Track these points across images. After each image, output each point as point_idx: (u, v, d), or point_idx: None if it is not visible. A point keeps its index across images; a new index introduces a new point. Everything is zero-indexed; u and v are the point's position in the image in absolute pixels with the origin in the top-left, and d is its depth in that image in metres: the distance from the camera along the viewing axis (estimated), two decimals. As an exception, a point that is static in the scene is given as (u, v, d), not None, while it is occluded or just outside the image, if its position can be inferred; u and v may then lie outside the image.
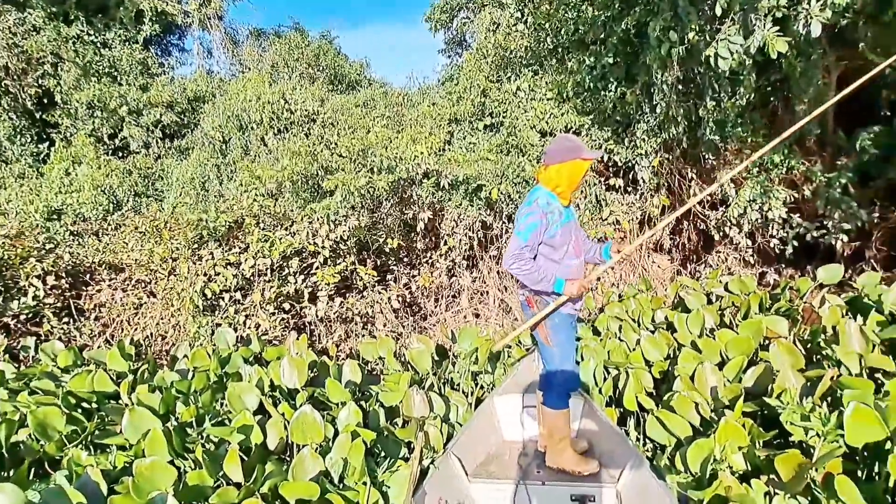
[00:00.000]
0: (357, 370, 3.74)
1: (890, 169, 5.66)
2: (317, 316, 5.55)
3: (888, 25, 4.87)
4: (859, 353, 3.00)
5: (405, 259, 6.91)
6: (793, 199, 5.80)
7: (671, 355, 3.59)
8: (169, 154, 10.86)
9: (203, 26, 14.66)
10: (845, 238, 5.70)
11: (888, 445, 2.27)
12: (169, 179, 9.91)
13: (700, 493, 2.24)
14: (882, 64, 3.24)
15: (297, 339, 4.70)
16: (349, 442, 2.78)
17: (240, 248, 5.73)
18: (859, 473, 2.38)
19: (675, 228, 6.80)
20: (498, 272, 6.67)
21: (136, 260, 6.27)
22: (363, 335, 5.75)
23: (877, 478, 2.32)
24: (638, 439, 3.17)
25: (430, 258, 6.50)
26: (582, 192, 6.34)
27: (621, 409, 3.35)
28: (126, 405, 3.33)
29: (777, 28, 4.24)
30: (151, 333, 5.73)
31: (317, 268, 5.70)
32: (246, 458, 2.77)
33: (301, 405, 3.04)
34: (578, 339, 4.18)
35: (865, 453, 2.37)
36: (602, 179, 6.53)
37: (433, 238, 6.58)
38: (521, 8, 7.32)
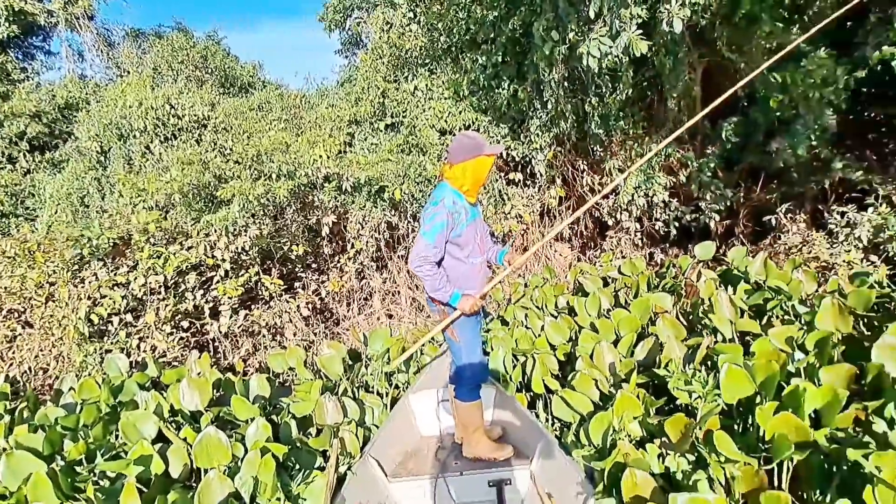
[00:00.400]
0: (265, 384, 3.59)
1: (749, 154, 6.35)
2: (220, 331, 5.26)
3: (739, 26, 5.46)
4: (731, 320, 3.34)
5: (313, 265, 6.74)
6: (672, 185, 6.35)
7: (573, 337, 3.79)
8: (40, 168, 9.77)
9: (71, 27, 13.33)
10: (717, 217, 6.34)
11: (757, 399, 2.56)
12: (41, 196, 8.93)
13: (602, 462, 2.39)
14: (749, 76, 3.58)
15: (199, 357, 4.43)
16: (259, 459, 2.66)
17: (128, 266, 5.29)
18: (735, 427, 2.66)
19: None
20: (408, 271, 6.69)
21: (5, 288, 5.59)
22: (272, 347, 5.53)
23: (750, 428, 2.60)
24: (547, 420, 3.33)
25: (339, 262, 6.39)
26: (485, 187, 6.52)
27: (531, 393, 3.50)
28: (3, 450, 2.96)
29: (640, 32, 4.61)
30: (30, 368, 5.15)
31: (217, 281, 5.40)
32: (146, 490, 2.57)
33: (206, 427, 2.87)
34: (488, 330, 4.31)
35: (740, 408, 2.64)
36: (502, 174, 6.75)
37: (340, 242, 6.46)
38: (412, 8, 7.37)
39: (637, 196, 6.22)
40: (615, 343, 3.44)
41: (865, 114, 6.12)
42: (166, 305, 5.08)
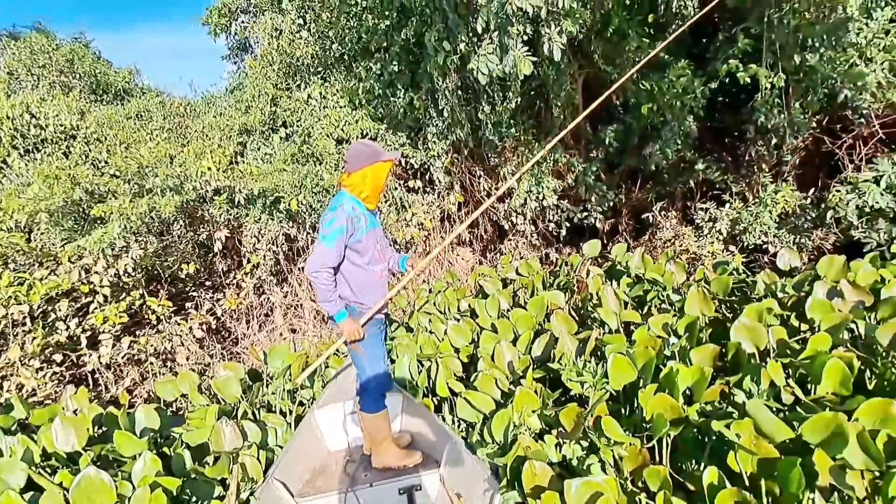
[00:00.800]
0: (154, 415, 3.32)
1: (627, 158, 6.91)
2: (100, 362, 4.78)
3: (611, 41, 5.94)
4: (616, 312, 3.62)
5: (206, 283, 6.35)
6: (561, 188, 6.75)
7: (475, 339, 3.90)
8: None
9: None
10: (602, 217, 6.83)
11: (640, 383, 2.79)
12: None
13: (504, 458, 2.48)
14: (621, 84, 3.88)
15: (75, 393, 4.00)
16: (148, 495, 2.46)
17: (-17, 297, 4.66)
18: (623, 411, 2.88)
19: (474, 222, 7.39)
20: (310, 283, 6.50)
21: None
22: (162, 375, 5.13)
23: (636, 410, 2.83)
24: (453, 422, 3.39)
25: (235, 278, 6.07)
26: (385, 195, 6.52)
27: (437, 398, 3.54)
28: None
29: (528, 49, 4.89)
30: None
31: (95, 308, 4.91)
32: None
33: (85, 468, 2.60)
34: (393, 338, 4.31)
35: (625, 393, 2.86)
36: (402, 182, 6.79)
37: (235, 257, 6.15)
38: (302, 14, 7.21)
39: (529, 199, 6.54)
40: (514, 342, 3.59)
41: (720, 120, 6.90)
42: (34, 338, 4.53)
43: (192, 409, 3.59)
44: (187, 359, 5.23)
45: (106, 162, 6.68)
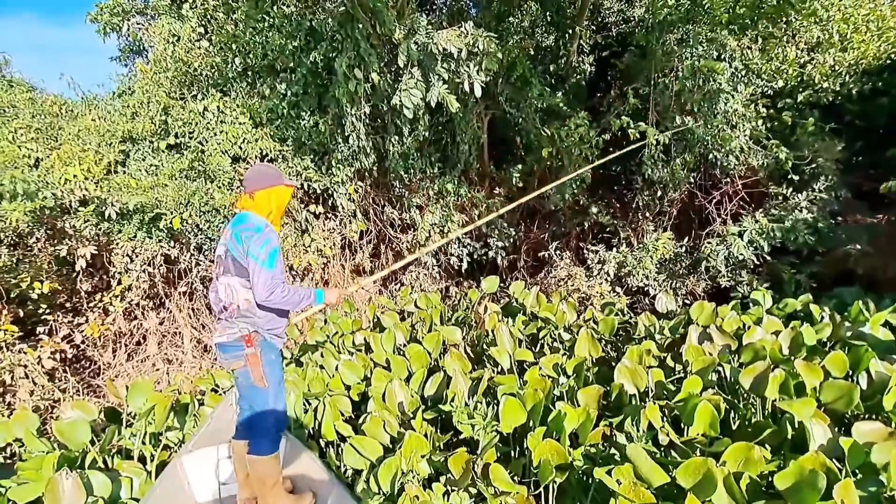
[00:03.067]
0: (-28, 465, 2.78)
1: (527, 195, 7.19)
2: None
3: (516, 86, 6.22)
4: (509, 352, 3.64)
5: (65, 305, 5.58)
6: (464, 222, 6.83)
7: (367, 376, 3.73)
8: None
9: None
10: (503, 253, 7.00)
11: (530, 424, 2.78)
12: None
13: (390, 510, 2.34)
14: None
15: None
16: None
17: None
18: (512, 454, 2.86)
19: (375, 251, 7.25)
20: (192, 309, 5.96)
21: None
22: (-2, 412, 4.37)
23: (525, 453, 2.82)
24: (339, 467, 3.18)
25: (101, 301, 5.38)
26: (285, 220, 6.20)
27: (323, 440, 3.31)
28: None
29: (446, 86, 4.98)
30: None
31: (-89, 330, 4.10)
32: None
33: None
34: (279, 373, 4.02)
35: (514, 436, 2.85)
36: (304, 206, 6.51)
37: (103, 277, 5.47)
38: (203, 24, 6.81)
39: (433, 232, 6.55)
40: (407, 379, 3.48)
41: (612, 170, 7.43)
42: None
43: (26, 457, 3.05)
44: (31, 394, 4.49)
45: (-51, 160, 5.74)
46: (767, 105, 6.02)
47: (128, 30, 8.40)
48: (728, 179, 6.44)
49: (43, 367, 4.62)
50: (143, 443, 3.24)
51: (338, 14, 5.22)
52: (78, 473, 2.63)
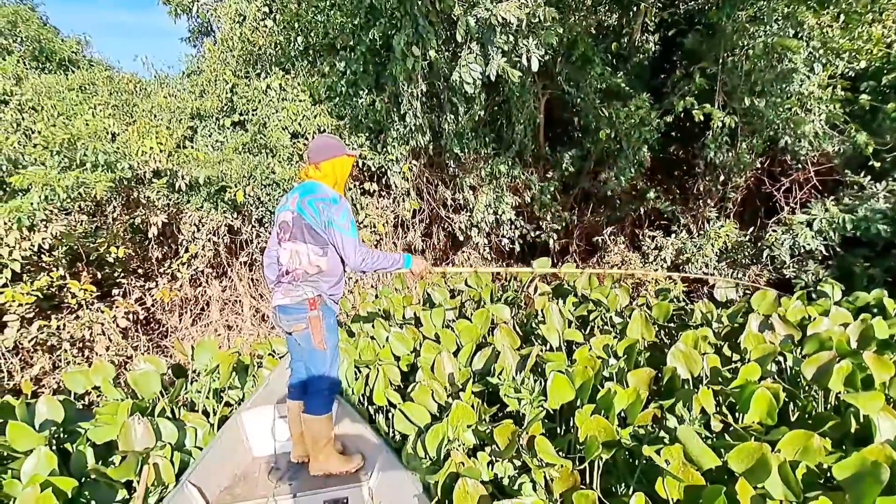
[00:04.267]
0: (57, 407, 3.03)
1: (582, 180, 7.05)
2: (4, 346, 4.37)
3: (576, 65, 6.07)
4: (559, 330, 3.62)
5: (138, 270, 5.97)
6: (517, 205, 6.79)
7: (416, 348, 3.81)
8: None
9: None
10: (555, 236, 6.92)
11: (577, 402, 2.78)
12: None
13: (435, 476, 2.40)
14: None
15: (-28, 379, 3.65)
16: (37, 496, 2.23)
17: None
18: (558, 430, 2.86)
19: (427, 231, 7.33)
20: (252, 279, 6.25)
21: None
22: (78, 364, 4.75)
23: (571, 430, 2.81)
24: (388, 433, 3.28)
25: (170, 268, 5.73)
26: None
27: (373, 406, 3.43)
28: None
29: (505, 59, 4.93)
30: None
31: (3, 286, 4.49)
32: None
33: (-33, 464, 2.34)
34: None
35: (561, 413, 2.85)
36: (358, 184, 6.66)
37: (171, 245, 5.82)
38: (268, 3, 7.00)
39: (487, 214, 6.55)
40: (456, 353, 3.52)
41: (672, 153, 7.16)
42: (-72, 314, 4.11)
43: (103, 404, 3.32)
44: (107, 349, 4.87)
45: (38, 132, 6.20)
46: (847, 87, 5.61)
47: (197, 11, 8.73)
48: (799, 166, 6.08)
49: (118, 325, 4.98)
50: (207, 398, 3.46)
51: (398, -9, 5.24)
52: (148, 420, 2.85)
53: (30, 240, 4.49)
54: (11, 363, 4.49)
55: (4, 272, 4.39)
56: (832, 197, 5.62)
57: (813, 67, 5.56)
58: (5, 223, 4.35)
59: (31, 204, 4.15)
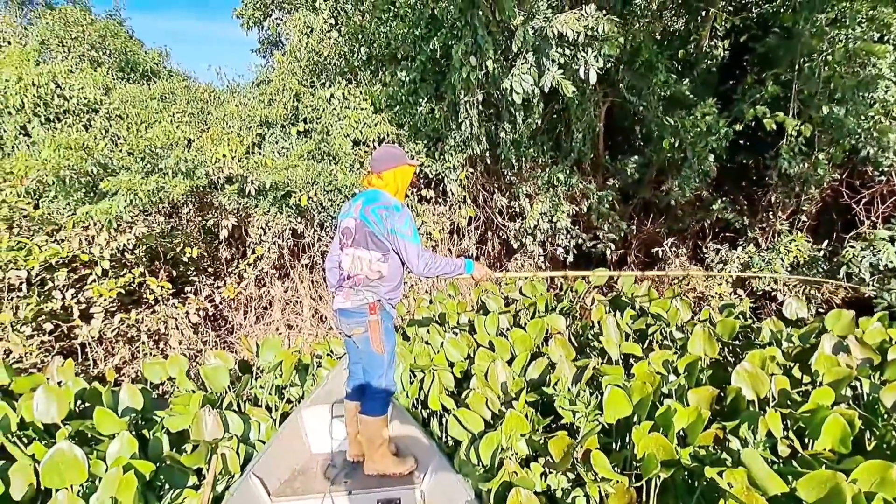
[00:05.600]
0: (137, 395, 3.27)
1: (643, 190, 6.87)
2: (91, 336, 4.74)
3: (638, 72, 5.94)
4: (616, 343, 3.55)
5: (208, 269, 6.33)
6: (574, 213, 6.70)
7: (471, 355, 3.83)
8: None
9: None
10: (612, 246, 6.77)
11: (635, 418, 2.72)
12: None
13: (488, 483, 2.41)
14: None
15: (62, 364, 3.96)
16: (120, 477, 2.41)
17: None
18: (614, 445, 2.81)
19: (482, 238, 7.35)
20: (312, 281, 6.48)
21: None
22: (153, 355, 5.08)
23: (627, 447, 2.76)
24: (441, 438, 3.32)
25: (237, 268, 6.04)
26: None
27: (427, 410, 3.48)
28: None
29: (561, 71, 4.90)
30: None
31: (93, 280, 4.89)
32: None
33: (60, 442, 2.56)
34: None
35: (618, 428, 2.79)
36: (415, 190, 6.78)
37: (240, 246, 6.13)
38: (334, 15, 7.27)
39: (542, 222, 6.50)
40: (510, 362, 3.52)
41: (740, 162, 6.85)
42: (27, 304, 4.51)
43: (177, 394, 3.54)
44: (180, 342, 5.19)
45: (124, 139, 6.71)
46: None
47: (269, 25, 9.18)
48: (882, 178, 5.68)
49: (189, 320, 5.29)
50: (270, 394, 3.62)
51: (459, 2, 5.32)
52: (217, 412, 3.02)
53: (116, 240, 4.87)
54: (96, 352, 4.87)
55: (96, 269, 4.77)
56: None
57: (900, 72, 5.20)
58: (97, 224, 4.73)
59: (119, 206, 4.49)
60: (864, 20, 5.08)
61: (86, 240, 4.90)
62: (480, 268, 2.85)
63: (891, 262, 4.95)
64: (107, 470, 2.59)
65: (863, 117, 5.20)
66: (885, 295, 5.00)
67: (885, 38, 5.17)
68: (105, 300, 4.88)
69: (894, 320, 3.92)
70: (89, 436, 3.00)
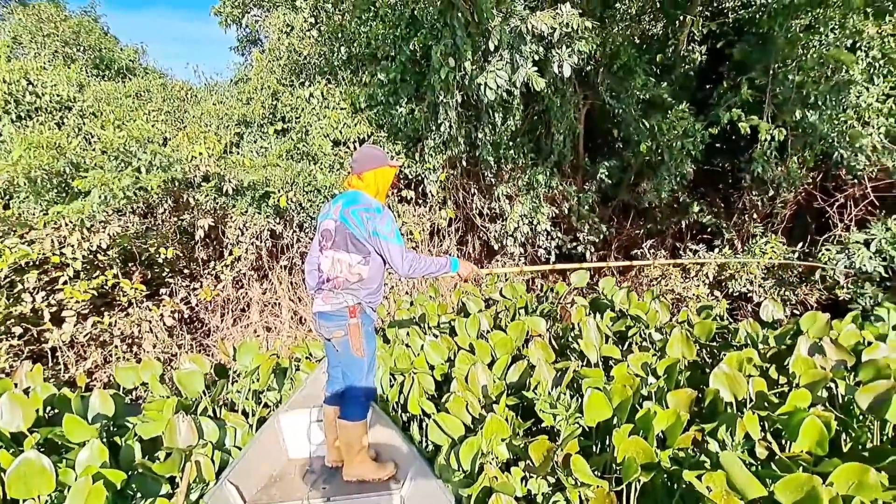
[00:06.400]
0: (109, 401, 3.17)
1: (621, 192, 6.93)
2: (62, 340, 4.59)
3: (617, 75, 5.98)
4: (596, 345, 3.55)
5: (184, 271, 6.18)
6: (554, 215, 6.73)
7: (451, 358, 3.80)
8: None
9: None
10: (592, 248, 6.81)
11: (615, 421, 2.71)
12: None
13: (469, 489, 2.38)
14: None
15: (31, 370, 3.83)
16: (89, 487, 2.32)
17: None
18: (594, 448, 2.80)
19: (462, 239, 7.34)
20: (291, 283, 6.38)
21: None
22: (127, 360, 4.95)
23: (607, 449, 2.75)
24: (421, 442, 3.28)
25: (214, 269, 5.92)
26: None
27: (407, 415, 3.44)
28: None
29: (537, 69, 4.91)
30: None
31: (65, 282, 4.73)
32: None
33: (27, 451, 2.46)
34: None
35: (598, 431, 2.79)
36: (395, 191, 6.73)
37: (216, 247, 6.00)
38: (314, 14, 7.19)
39: (522, 224, 6.51)
40: (490, 365, 3.50)
41: (717, 165, 6.96)
42: (-5, 308, 4.36)
43: (150, 400, 3.44)
44: (154, 346, 5.05)
45: (98, 137, 6.53)
46: (910, 99, 5.34)
47: (247, 22, 9.04)
48: (855, 181, 5.81)
49: (164, 323, 5.16)
50: (247, 398, 3.54)
51: (438, 3, 5.29)
52: (192, 418, 2.94)
53: (89, 240, 4.73)
54: (67, 356, 4.72)
55: (67, 270, 4.63)
56: (893, 215, 5.34)
57: (872, 78, 5.33)
58: (69, 224, 4.58)
59: (93, 206, 4.36)
60: (836, 27, 5.19)
61: (57, 241, 4.75)
62: (466, 265, 2.82)
63: (864, 265, 5.06)
64: (76, 479, 2.50)
65: (835, 122, 5.32)
66: (858, 298, 5.11)
67: (857, 44, 5.29)
68: (77, 303, 4.73)
69: (867, 321, 4.00)
70: (58, 443, 2.90)
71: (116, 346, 4.95)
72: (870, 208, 5.72)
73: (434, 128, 6.05)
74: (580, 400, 2.79)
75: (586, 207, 6.60)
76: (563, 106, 5.99)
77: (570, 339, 3.94)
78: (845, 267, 5.15)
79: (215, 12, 9.66)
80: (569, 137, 6.39)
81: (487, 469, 2.44)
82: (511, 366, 3.42)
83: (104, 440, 2.85)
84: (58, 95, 8.13)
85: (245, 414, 3.50)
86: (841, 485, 1.98)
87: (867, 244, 5.13)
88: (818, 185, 6.15)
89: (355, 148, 6.33)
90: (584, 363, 3.56)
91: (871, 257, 5.03)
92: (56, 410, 3.32)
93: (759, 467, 2.42)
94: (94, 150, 5.74)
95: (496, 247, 7.01)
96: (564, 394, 2.92)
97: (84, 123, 7.75)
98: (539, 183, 6.41)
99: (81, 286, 4.67)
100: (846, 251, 5.21)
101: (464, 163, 6.59)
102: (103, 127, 6.64)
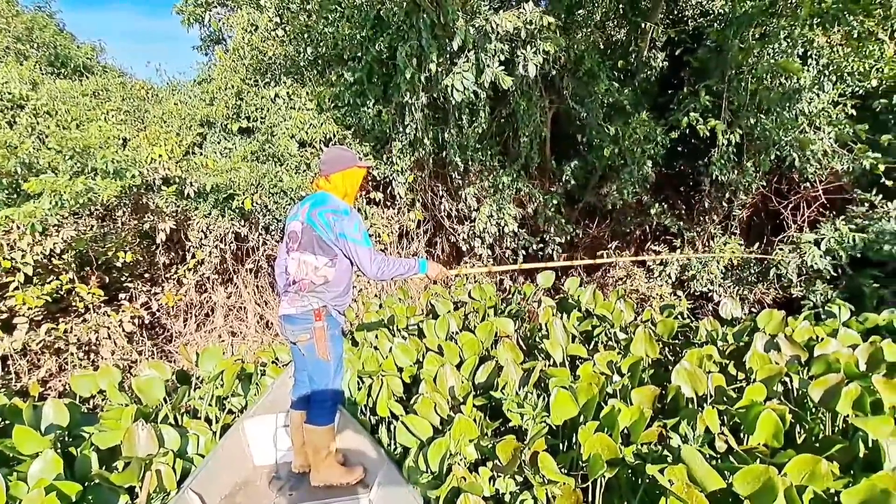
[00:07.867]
0: (63, 411, 3.03)
1: (587, 194, 7.05)
2: (13, 348, 4.39)
3: (582, 80, 6.10)
4: (563, 345, 3.60)
5: (145, 275, 5.99)
6: (521, 217, 6.79)
7: (419, 360, 3.80)
8: None
9: None
10: (559, 249, 6.90)
11: (581, 419, 2.76)
12: None
13: (437, 490, 2.38)
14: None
15: (-23, 381, 3.66)
16: (42, 499, 2.23)
17: None
18: (561, 446, 2.84)
19: (431, 241, 7.33)
20: (257, 286, 6.26)
21: None
22: (84, 368, 4.76)
23: (574, 447, 2.79)
24: (390, 445, 3.26)
25: (177, 273, 5.75)
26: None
27: (375, 417, 3.41)
28: None
29: (503, 69, 4.95)
30: None
31: (16, 288, 4.52)
32: None
33: (-27, 467, 2.35)
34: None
35: (564, 429, 2.83)
36: (363, 193, 6.68)
37: (179, 251, 5.84)
38: (280, 13, 7.08)
39: (490, 224, 6.55)
40: (458, 366, 3.51)
41: (678, 168, 7.16)
42: (-63, 317, 4.13)
43: (108, 408, 3.32)
44: (112, 353, 4.88)
45: (52, 137, 6.27)
46: (858, 105, 5.60)
47: (209, 20, 8.83)
48: (807, 184, 6.07)
49: (123, 329, 4.99)
50: (210, 405, 3.46)
51: (404, 4, 5.29)
52: (152, 426, 2.84)
53: (42, 244, 4.53)
54: (19, 365, 4.52)
55: (17, 276, 4.43)
56: (842, 216, 5.59)
57: (822, 86, 5.57)
58: (19, 227, 4.38)
59: (44, 209, 4.18)
60: (788, 36, 5.41)
61: (7, 244, 4.54)
62: (434, 266, 2.83)
63: (815, 263, 5.28)
64: (28, 492, 2.40)
65: (788, 128, 5.54)
66: (810, 296, 5.33)
67: (809, 53, 5.53)
68: (29, 309, 4.53)
69: (820, 319, 4.18)
70: (9, 456, 2.76)
71: (72, 354, 4.76)
72: (822, 210, 5.98)
73: (401, 129, 6.04)
74: (547, 399, 2.83)
75: (552, 209, 6.69)
76: (529, 109, 6.06)
77: (537, 339, 3.98)
78: (797, 266, 5.37)
79: (178, 10, 9.41)
80: (535, 140, 6.47)
81: (456, 470, 2.44)
82: (479, 367, 3.44)
83: (58, 451, 2.74)
84: (9, 93, 7.77)
85: (208, 421, 3.41)
86: (795, 475, 2.06)
87: (818, 244, 5.36)
88: (773, 188, 6.40)
89: (322, 149, 6.25)
90: (552, 363, 3.61)
91: (821, 256, 5.26)
92: (6, 421, 3.17)
93: (719, 460, 2.50)
94: (48, 150, 5.52)
95: (465, 248, 7.03)
96: (532, 393, 2.96)
97: (38, 123, 7.43)
98: (505, 185, 6.46)
99: (34, 292, 4.48)
100: (798, 250, 5.43)
101: (432, 164, 6.59)
102: (65, 127, 6.39)
